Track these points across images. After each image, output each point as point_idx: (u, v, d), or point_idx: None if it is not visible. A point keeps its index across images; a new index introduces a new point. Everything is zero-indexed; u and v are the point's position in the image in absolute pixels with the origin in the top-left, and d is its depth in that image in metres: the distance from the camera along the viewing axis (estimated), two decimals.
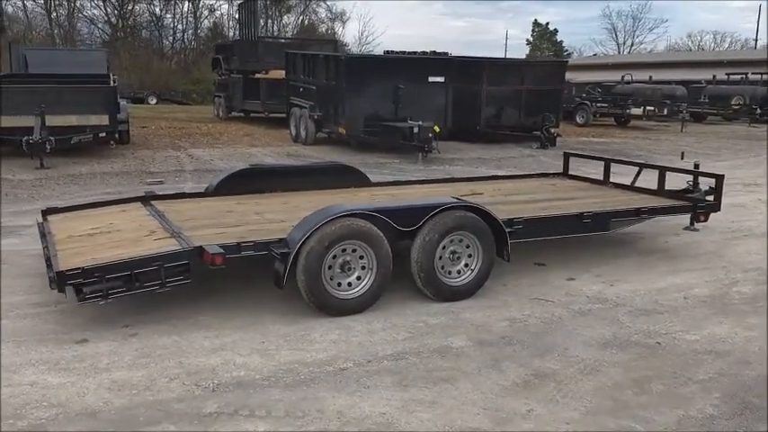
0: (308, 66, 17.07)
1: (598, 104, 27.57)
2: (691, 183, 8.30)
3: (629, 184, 8.32)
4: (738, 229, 8.90)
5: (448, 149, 16.66)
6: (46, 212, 6.59)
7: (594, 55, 67.51)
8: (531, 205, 7.13)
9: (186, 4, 51.19)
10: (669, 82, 32.17)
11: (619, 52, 70.09)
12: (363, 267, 5.40)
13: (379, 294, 5.47)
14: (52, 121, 12.67)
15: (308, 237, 5.08)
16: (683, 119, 25.59)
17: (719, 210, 7.48)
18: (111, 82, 15.25)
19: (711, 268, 7.01)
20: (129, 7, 49.38)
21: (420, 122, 14.15)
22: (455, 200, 5.85)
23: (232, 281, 5.97)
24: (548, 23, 70.43)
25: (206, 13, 52.25)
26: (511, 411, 3.88)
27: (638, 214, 6.85)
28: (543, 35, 70.57)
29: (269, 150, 15.99)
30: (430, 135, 13.97)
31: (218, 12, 50.60)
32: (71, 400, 3.89)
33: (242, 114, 24.38)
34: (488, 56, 21.21)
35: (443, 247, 5.67)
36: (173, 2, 50.41)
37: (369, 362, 4.54)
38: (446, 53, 24.35)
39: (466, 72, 17.86)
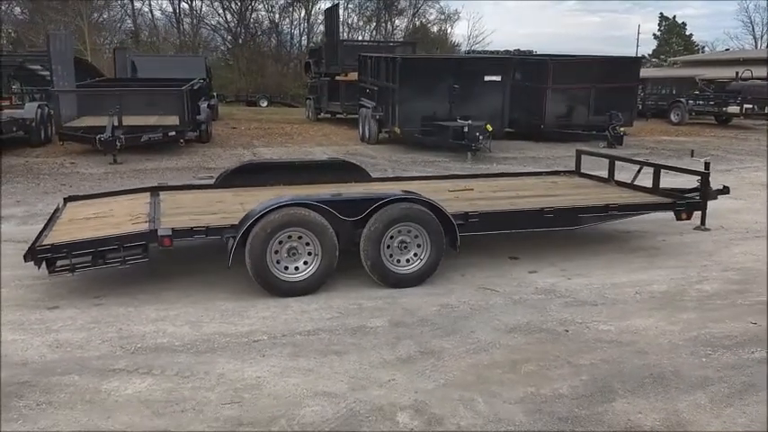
0: (374, 68, 17.69)
1: (697, 102, 26.41)
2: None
3: (645, 182, 8.22)
4: (756, 230, 8.63)
5: (507, 148, 16.77)
6: (67, 199, 7.53)
7: (727, 50, 63.56)
8: (510, 200, 7.34)
9: (302, 10, 53.24)
10: None
11: (756, 47, 65.51)
12: (310, 253, 5.90)
13: (324, 279, 5.94)
14: (131, 120, 14.08)
15: (251, 224, 5.66)
16: None
17: (705, 208, 7.37)
18: (191, 86, 16.54)
19: (689, 267, 6.95)
20: (249, 14, 51.89)
21: (469, 121, 14.40)
22: (402, 193, 6.22)
23: (214, 264, 6.57)
24: (674, 17, 67.14)
25: (321, 18, 53.88)
26: (373, 380, 4.27)
27: (606, 210, 6.91)
28: (672, 29, 67.30)
29: (331, 149, 16.73)
30: (477, 134, 14.17)
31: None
32: (14, 354, 4.64)
33: (329, 115, 25.39)
34: (583, 53, 20.99)
35: (391, 237, 6.06)
36: (290, 9, 52.55)
37: (283, 336, 5.03)
38: (531, 51, 24.31)
39: (531, 70, 17.84)
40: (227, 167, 8.87)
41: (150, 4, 48.92)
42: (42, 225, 6.57)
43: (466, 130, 14.34)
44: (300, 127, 22.80)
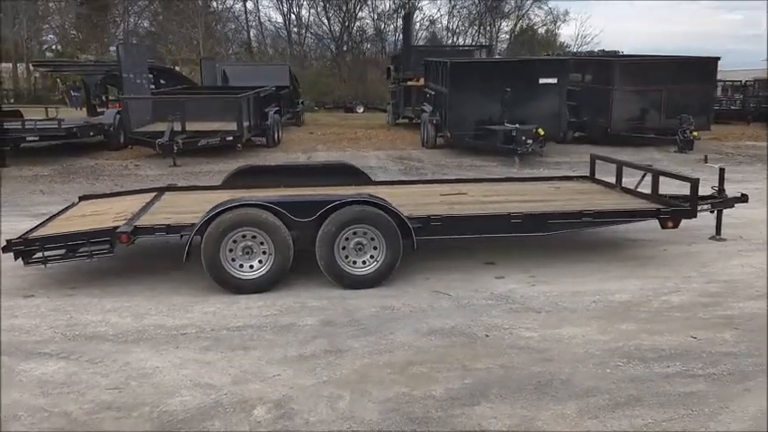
0: (433, 72, 17.74)
1: None
2: (716, 188, 7.84)
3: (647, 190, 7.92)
4: None
5: (566, 152, 16.33)
6: (82, 198, 8.17)
7: None
8: (493, 205, 7.25)
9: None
10: None
11: None
12: (264, 252, 6.14)
13: (278, 277, 6.17)
14: (195, 126, 14.91)
15: (204, 223, 5.98)
16: None
17: (695, 216, 7.00)
18: (256, 93, 17.24)
19: (672, 277, 6.63)
20: (353, 23, 52.89)
21: (517, 125, 14.20)
22: (355, 195, 6.33)
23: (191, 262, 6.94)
24: None
25: (426, 23, 53.91)
26: (259, 375, 4.43)
27: (580, 217, 6.71)
28: None
29: (386, 153, 16.91)
30: (524, 138, 13.94)
31: (439, 24, 51.79)
32: None
33: (406, 120, 25.61)
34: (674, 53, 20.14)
35: (346, 239, 6.21)
36: (394, 16, 53.06)
37: (212, 330, 5.28)
38: (616, 51, 23.51)
39: (599, 72, 17.30)
40: (234, 169, 9.22)
41: (259, 16, 50.72)
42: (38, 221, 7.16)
43: (514, 133, 14.15)
44: (373, 132, 23.09)
